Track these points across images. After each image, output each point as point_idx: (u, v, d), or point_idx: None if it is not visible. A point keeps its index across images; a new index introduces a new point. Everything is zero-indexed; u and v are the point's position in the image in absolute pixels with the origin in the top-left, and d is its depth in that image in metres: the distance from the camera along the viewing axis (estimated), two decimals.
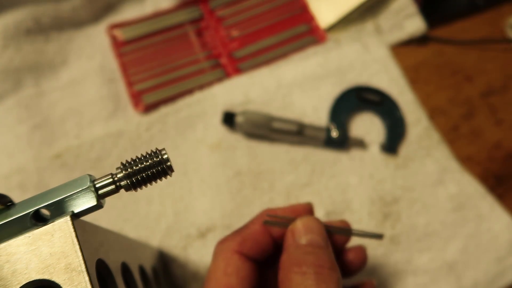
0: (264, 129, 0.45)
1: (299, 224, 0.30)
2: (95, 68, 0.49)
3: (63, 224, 0.21)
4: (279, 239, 0.32)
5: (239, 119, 0.45)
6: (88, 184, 0.22)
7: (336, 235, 0.32)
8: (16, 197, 0.23)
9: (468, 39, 0.53)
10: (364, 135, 0.47)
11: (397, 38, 0.51)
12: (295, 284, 0.26)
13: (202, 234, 0.43)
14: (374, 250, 0.42)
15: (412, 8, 0.51)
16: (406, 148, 0.46)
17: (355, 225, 0.43)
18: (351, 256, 0.33)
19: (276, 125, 0.45)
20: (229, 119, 0.45)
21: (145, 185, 0.23)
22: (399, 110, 0.48)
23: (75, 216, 0.22)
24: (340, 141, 0.46)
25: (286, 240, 0.30)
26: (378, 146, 0.46)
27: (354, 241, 0.35)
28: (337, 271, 0.27)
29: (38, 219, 0.22)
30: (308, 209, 0.33)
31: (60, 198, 0.22)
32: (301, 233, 0.29)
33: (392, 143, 0.46)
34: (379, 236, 0.33)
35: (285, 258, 0.28)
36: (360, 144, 0.46)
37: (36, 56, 0.49)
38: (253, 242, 0.31)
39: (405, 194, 0.44)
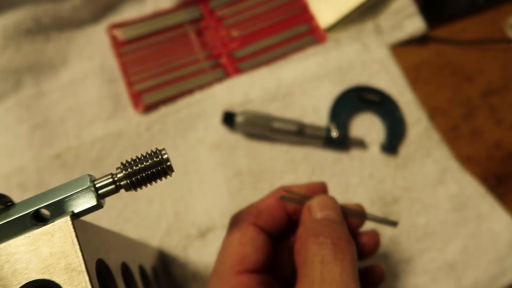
0: (264, 129, 0.45)
1: (316, 201, 0.30)
2: (95, 68, 0.49)
3: (63, 224, 0.21)
4: (294, 215, 0.32)
5: (239, 119, 0.45)
6: (88, 184, 0.22)
7: (350, 218, 0.32)
8: (16, 197, 0.23)
9: (468, 39, 0.53)
10: (364, 135, 0.47)
11: (397, 38, 0.51)
12: (312, 254, 0.26)
13: (202, 234, 0.43)
14: None
15: (412, 8, 0.51)
16: (406, 148, 0.46)
17: None
18: (364, 239, 0.33)
19: (276, 125, 0.45)
20: (229, 119, 0.45)
21: (145, 185, 0.23)
22: (399, 110, 0.48)
23: (75, 216, 0.22)
24: (340, 141, 0.46)
25: (302, 215, 0.31)
26: (378, 146, 0.46)
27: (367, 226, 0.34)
28: (353, 244, 0.28)
29: (38, 219, 0.22)
30: (323, 188, 0.34)
31: (60, 198, 0.22)
32: (317, 209, 0.30)
33: (392, 143, 0.46)
34: (393, 223, 0.34)
35: (302, 230, 0.29)
36: (360, 144, 0.46)
37: (36, 56, 0.49)
38: (268, 215, 0.31)
39: (405, 194, 0.44)
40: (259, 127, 0.45)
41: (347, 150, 0.46)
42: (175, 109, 0.47)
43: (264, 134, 0.46)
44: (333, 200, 0.31)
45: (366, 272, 0.35)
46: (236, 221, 0.32)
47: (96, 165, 0.45)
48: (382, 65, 0.50)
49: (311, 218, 0.30)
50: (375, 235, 0.34)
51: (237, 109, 0.47)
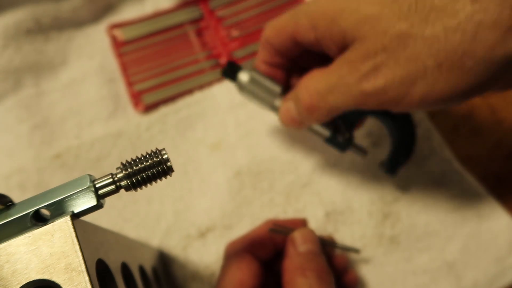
0: (266, 102, 0.40)
1: (298, 234, 0.35)
2: (95, 68, 0.49)
3: (63, 224, 0.21)
4: (280, 245, 0.37)
5: (243, 78, 0.39)
6: (88, 184, 0.22)
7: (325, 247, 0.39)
8: (16, 197, 0.23)
9: None
10: (369, 140, 0.47)
11: None
12: (299, 284, 0.31)
13: (202, 234, 0.43)
14: (374, 249, 0.42)
15: None
16: None
17: (355, 225, 0.43)
18: (337, 261, 0.39)
19: (278, 104, 0.39)
20: (231, 71, 0.39)
21: (145, 185, 0.23)
22: (412, 125, 0.40)
23: (75, 216, 0.22)
24: (344, 144, 0.41)
25: (287, 247, 0.35)
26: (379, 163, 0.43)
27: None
28: (331, 274, 0.33)
29: (38, 219, 0.22)
30: (303, 223, 0.39)
31: (60, 198, 0.22)
32: (300, 242, 0.34)
33: (394, 162, 0.40)
34: (356, 251, 0.40)
35: (288, 263, 0.34)
36: (363, 152, 0.42)
37: (36, 56, 0.49)
38: (260, 244, 0.36)
39: (405, 194, 0.44)
40: (261, 98, 0.39)
41: (348, 152, 0.45)
42: (175, 109, 0.47)
43: (263, 106, 0.40)
44: (312, 233, 0.36)
45: (341, 274, 0.40)
46: (232, 249, 0.37)
47: (96, 165, 0.45)
48: None
49: (296, 251, 0.34)
50: (344, 258, 0.40)
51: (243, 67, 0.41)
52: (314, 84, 0.34)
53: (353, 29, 0.31)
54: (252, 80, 0.39)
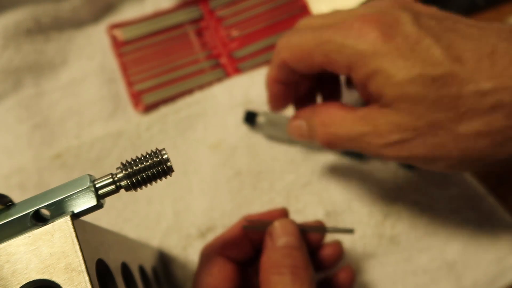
0: (285, 131, 0.44)
1: (276, 227, 0.33)
2: (95, 68, 0.49)
3: (63, 224, 0.21)
4: (258, 241, 0.35)
5: (260, 120, 0.45)
6: (88, 184, 0.22)
7: (311, 234, 0.35)
8: (16, 197, 0.23)
9: None
10: None
11: None
12: (273, 283, 0.30)
13: (202, 234, 0.43)
14: (374, 249, 0.42)
15: None
16: None
17: (355, 225, 0.43)
18: (327, 251, 0.37)
19: None
20: (250, 118, 0.45)
21: (145, 185, 0.23)
22: None
23: (75, 216, 0.22)
24: (358, 153, 0.43)
25: (265, 242, 0.33)
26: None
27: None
28: (310, 269, 0.31)
29: (38, 219, 0.22)
30: (283, 213, 0.36)
31: (60, 198, 0.22)
32: (278, 235, 0.32)
33: None
34: (350, 231, 0.36)
35: (265, 260, 0.32)
36: (363, 159, 0.45)
37: (36, 56, 0.49)
38: (233, 245, 0.34)
39: (405, 194, 0.44)
40: (280, 129, 0.44)
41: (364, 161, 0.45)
42: (175, 109, 0.47)
43: (283, 137, 0.45)
44: (291, 223, 0.33)
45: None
46: (205, 253, 0.35)
47: (96, 165, 0.45)
48: None
49: (273, 246, 0.32)
50: (337, 245, 0.37)
51: (258, 109, 0.46)
52: (334, 128, 0.34)
53: (393, 95, 0.30)
54: (269, 121, 0.44)
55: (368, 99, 0.33)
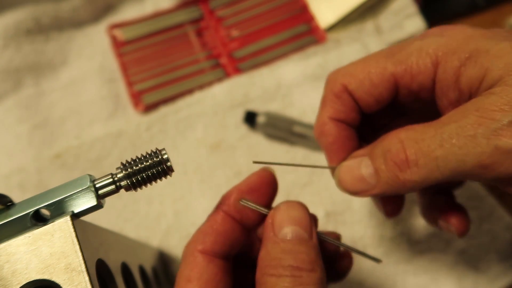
0: (285, 131, 0.45)
1: (279, 212, 0.26)
2: (95, 68, 0.49)
3: (63, 224, 0.21)
4: (254, 225, 0.28)
5: (260, 120, 0.45)
6: (88, 184, 0.22)
7: (330, 244, 0.29)
8: (16, 197, 0.23)
9: None
10: None
11: (397, 38, 0.51)
12: (269, 287, 0.24)
13: None
14: (375, 249, 0.42)
15: (412, 8, 0.51)
16: None
17: (356, 225, 0.43)
18: (345, 263, 0.32)
19: (297, 129, 0.45)
20: (250, 118, 0.45)
21: (145, 185, 0.23)
22: None
23: (75, 216, 0.22)
24: None
25: (265, 230, 0.26)
26: None
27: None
28: (318, 271, 0.24)
29: (38, 219, 0.22)
30: (268, 177, 0.29)
31: (60, 198, 0.22)
32: (279, 223, 0.26)
33: None
34: (377, 260, 0.30)
35: (263, 255, 0.25)
36: None
37: (36, 56, 0.49)
38: (216, 235, 0.27)
39: (406, 194, 0.44)
40: (279, 129, 0.45)
41: None
42: (175, 109, 0.47)
43: (283, 137, 0.45)
44: (301, 208, 0.26)
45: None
46: (185, 252, 0.27)
47: (96, 165, 0.45)
48: None
49: (273, 238, 0.25)
50: (351, 257, 0.32)
51: (257, 109, 0.46)
52: (413, 135, 0.26)
53: (502, 71, 0.25)
54: (269, 120, 0.45)
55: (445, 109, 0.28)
